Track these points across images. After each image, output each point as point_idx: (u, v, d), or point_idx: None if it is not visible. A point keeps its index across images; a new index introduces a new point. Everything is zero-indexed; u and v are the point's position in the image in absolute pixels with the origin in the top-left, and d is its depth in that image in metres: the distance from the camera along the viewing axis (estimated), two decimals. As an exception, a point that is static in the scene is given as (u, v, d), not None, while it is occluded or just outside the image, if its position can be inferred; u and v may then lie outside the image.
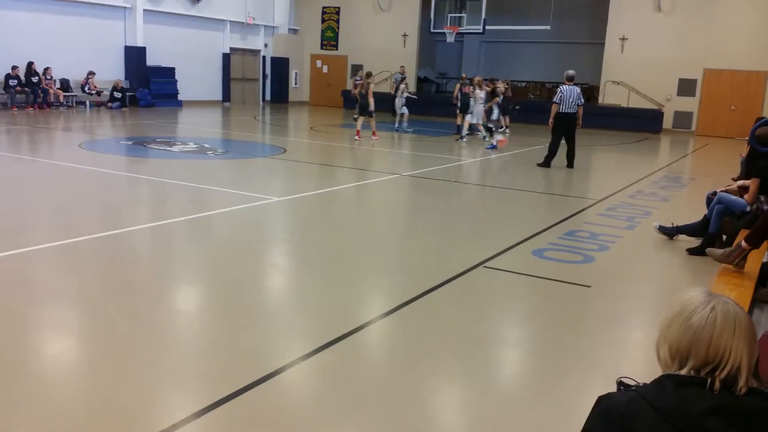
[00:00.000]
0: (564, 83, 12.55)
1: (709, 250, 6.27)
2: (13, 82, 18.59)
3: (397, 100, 19.02)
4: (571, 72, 12.75)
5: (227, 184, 9.55)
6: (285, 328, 4.43)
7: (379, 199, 9.33)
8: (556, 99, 12.38)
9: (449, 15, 25.67)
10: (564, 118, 12.32)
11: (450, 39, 25.76)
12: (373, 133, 15.72)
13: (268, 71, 28.41)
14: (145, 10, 22.23)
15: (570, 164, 12.53)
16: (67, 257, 5.71)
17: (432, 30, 25.94)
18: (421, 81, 28.73)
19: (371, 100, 15.61)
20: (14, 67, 18.51)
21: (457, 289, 5.27)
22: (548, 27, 24.63)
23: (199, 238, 6.71)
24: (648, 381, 1.73)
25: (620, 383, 1.72)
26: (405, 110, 18.74)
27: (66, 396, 3.37)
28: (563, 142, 12.56)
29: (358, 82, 17.55)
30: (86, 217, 7.34)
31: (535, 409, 3.46)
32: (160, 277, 5.41)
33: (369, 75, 16.26)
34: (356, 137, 15.45)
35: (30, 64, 18.94)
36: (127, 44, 22.13)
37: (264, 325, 4.41)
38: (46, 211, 7.45)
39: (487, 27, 25.01)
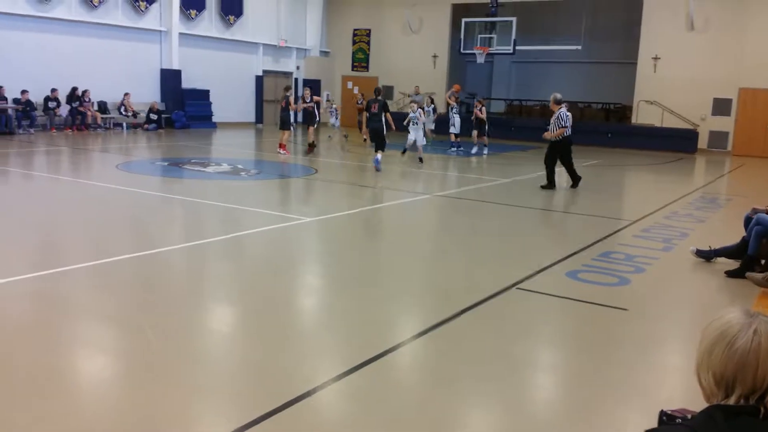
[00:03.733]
0: (559, 106, 12.30)
1: (749, 274, 6.14)
2: (52, 104, 19.09)
3: (411, 129, 16.17)
4: (559, 95, 12.62)
5: (260, 204, 9.64)
6: (317, 349, 4.43)
7: (411, 219, 9.32)
8: (566, 122, 12.06)
9: (479, 36, 25.74)
10: (567, 141, 12.26)
11: (480, 60, 25.81)
12: (281, 146, 15.99)
13: (300, 93, 28.72)
14: (180, 34, 22.73)
15: (577, 184, 12.46)
16: (104, 276, 5.80)
17: (462, 51, 26.02)
18: (447, 102, 28.77)
19: (291, 113, 16.47)
20: (53, 90, 19.03)
21: (489, 310, 5.22)
22: (579, 47, 24.54)
23: (233, 258, 6.76)
24: (688, 408, 1.69)
25: (663, 414, 1.67)
26: (419, 139, 15.98)
27: (100, 413, 3.40)
28: (557, 165, 12.44)
29: (308, 103, 17.14)
30: (123, 237, 7.46)
31: (572, 436, 3.39)
32: (195, 297, 5.46)
33: (287, 89, 16.78)
34: (280, 150, 15.91)
35: (74, 90, 19.47)
36: (163, 67, 22.61)
37: (296, 346, 4.41)
38: (84, 231, 7.59)
39: (517, 47, 25.01)
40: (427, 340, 4.54)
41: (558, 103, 12.28)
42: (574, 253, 7.10)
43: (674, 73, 22.77)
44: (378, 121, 13.56)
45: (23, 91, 18.34)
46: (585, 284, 5.99)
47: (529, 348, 4.59)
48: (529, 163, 17.04)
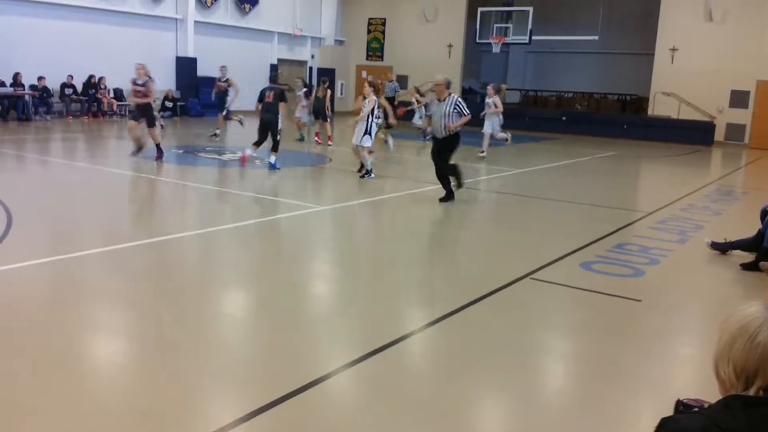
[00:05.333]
0: (449, 91, 9.22)
1: (763, 264, 6.10)
2: (68, 91, 19.22)
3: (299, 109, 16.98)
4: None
5: (273, 192, 9.67)
6: (330, 336, 4.46)
7: (424, 208, 9.32)
8: (467, 110, 9.12)
9: (495, 25, 25.60)
10: (458, 136, 9.31)
11: (496, 49, 25.67)
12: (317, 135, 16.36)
13: (314, 82, 28.71)
14: (196, 22, 22.77)
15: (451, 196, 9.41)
16: (119, 262, 5.85)
17: (477, 40, 25.89)
18: (465, 92, 28.66)
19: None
20: (70, 76, 19.15)
21: (502, 300, 5.22)
22: (596, 37, 24.34)
23: (246, 246, 6.80)
24: (702, 398, 1.69)
25: (679, 403, 1.67)
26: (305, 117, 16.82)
27: (113, 396, 3.44)
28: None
29: (221, 82, 16.10)
30: (138, 223, 7.52)
31: (582, 427, 3.40)
32: (208, 283, 5.50)
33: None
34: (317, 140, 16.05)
35: (90, 77, 19.59)
36: (179, 55, 22.66)
37: (309, 332, 4.44)
38: (98, 217, 7.66)
39: (533, 37, 24.85)
40: (440, 329, 4.56)
41: (449, 87, 9.27)
42: (589, 244, 7.07)
43: (692, 64, 22.54)
44: (272, 113, 11.61)
45: (40, 78, 18.46)
46: (599, 275, 5.97)
47: (543, 338, 4.60)
48: (543, 154, 16.98)
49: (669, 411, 1.66)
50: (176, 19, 22.53)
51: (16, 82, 18.16)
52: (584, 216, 9.13)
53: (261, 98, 11.88)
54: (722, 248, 6.89)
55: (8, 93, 17.91)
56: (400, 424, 3.27)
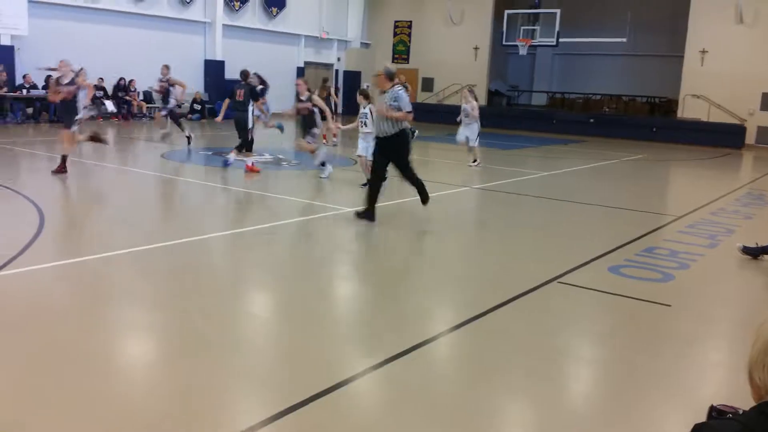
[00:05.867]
0: (392, 83, 8.00)
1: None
2: (99, 93, 19.53)
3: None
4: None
5: (300, 194, 9.74)
6: (356, 338, 4.48)
7: (450, 211, 9.31)
8: (409, 107, 7.79)
9: (522, 27, 25.51)
10: (406, 135, 7.99)
11: (523, 51, 25.59)
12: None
13: (340, 84, 28.85)
14: (224, 25, 23.02)
15: (426, 198, 8.22)
16: (148, 262, 5.94)
17: (504, 43, 25.80)
18: (492, 94, 28.58)
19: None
20: (100, 79, 19.46)
21: (530, 303, 5.20)
22: (624, 39, 24.11)
23: (273, 247, 6.86)
24: (733, 405, 1.67)
25: (713, 409, 1.66)
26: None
27: (141, 394, 3.50)
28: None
29: (162, 82, 14.98)
30: (167, 223, 7.62)
31: None
32: (236, 284, 5.56)
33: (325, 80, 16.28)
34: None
35: (120, 80, 19.92)
36: (207, 58, 22.92)
37: (335, 334, 4.47)
38: (130, 218, 7.78)
39: (561, 39, 24.69)
40: (467, 332, 4.55)
41: (392, 78, 8.02)
42: (617, 248, 7.01)
43: (722, 66, 22.21)
44: (241, 111, 11.38)
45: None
46: (627, 279, 5.92)
47: (570, 342, 4.56)
48: (570, 157, 16.85)
49: (701, 417, 1.64)
50: (205, 22, 22.80)
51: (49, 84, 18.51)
52: (612, 219, 9.05)
53: (231, 95, 11.65)
54: (754, 253, 6.78)
55: (41, 95, 18.28)
56: (424, 428, 3.27)
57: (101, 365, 3.77)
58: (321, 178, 10.83)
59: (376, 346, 4.29)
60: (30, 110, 18.28)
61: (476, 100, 13.86)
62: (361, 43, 29.19)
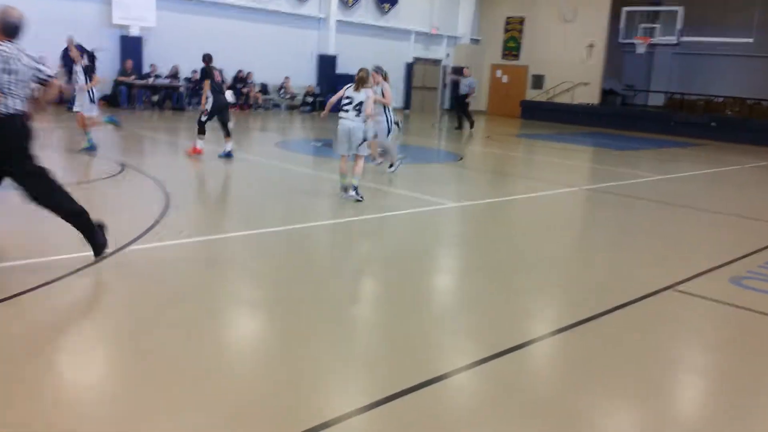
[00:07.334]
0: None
1: None
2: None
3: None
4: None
5: (405, 187, 9.82)
6: (457, 333, 4.46)
7: (556, 211, 9.11)
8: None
9: (640, 25, 24.53)
10: None
11: (641, 50, 24.60)
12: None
13: (447, 80, 28.79)
14: (337, 21, 23.52)
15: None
16: (260, 246, 6.19)
17: (621, 40, 24.91)
18: (606, 93, 27.64)
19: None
20: (220, 71, 20.40)
21: (642, 311, 5.01)
22: (751, 40, 22.66)
23: (376, 238, 6.97)
24: None
25: None
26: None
27: (249, 371, 3.65)
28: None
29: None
30: (277, 210, 7.89)
31: (732, 446, 3.21)
32: (341, 271, 5.70)
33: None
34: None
35: (238, 72, 20.84)
36: (320, 52, 23.50)
37: (436, 328, 4.48)
38: (244, 202, 8.12)
39: (682, 38, 23.55)
40: (575, 335, 4.45)
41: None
42: (739, 258, 6.62)
43: None
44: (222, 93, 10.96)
45: (194, 71, 19.78)
46: (751, 292, 5.58)
47: (684, 353, 4.37)
48: (688, 161, 16.06)
49: None
50: (319, 18, 23.38)
51: (173, 74, 19.62)
52: (733, 228, 8.55)
53: (209, 77, 10.82)
54: None
55: (165, 84, 19.40)
56: (526, 426, 3.23)
57: (214, 341, 3.99)
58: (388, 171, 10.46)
59: (477, 342, 4.27)
60: (155, 98, 19.40)
61: (387, 80, 10.52)
62: (471, 39, 28.97)
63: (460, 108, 19.75)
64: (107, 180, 8.69)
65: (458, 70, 19.80)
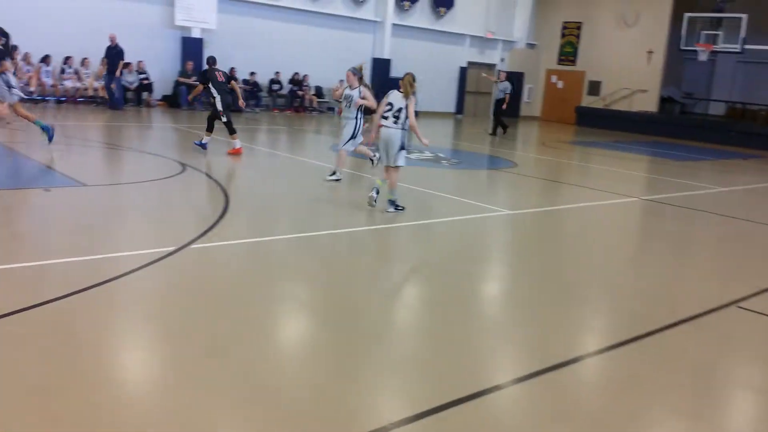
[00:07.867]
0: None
1: None
2: (276, 87, 20.82)
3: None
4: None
5: (459, 193, 9.81)
6: (503, 346, 4.41)
7: (613, 221, 8.97)
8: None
9: (702, 32, 23.94)
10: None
11: (703, 57, 24.01)
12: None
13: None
14: (393, 24, 23.62)
15: None
16: (307, 248, 6.29)
17: (682, 47, 24.34)
18: (664, 101, 27.03)
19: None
20: (277, 73, 20.76)
21: (703, 326, 4.91)
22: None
23: (428, 243, 6.99)
24: None
25: None
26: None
27: (295, 373, 3.70)
28: None
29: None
30: (325, 213, 7.99)
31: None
32: (387, 276, 5.75)
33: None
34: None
35: (294, 75, 21.17)
36: (375, 56, 23.64)
37: (482, 339, 4.43)
38: (298, 205, 8.25)
39: (746, 46, 22.87)
40: (634, 348, 4.38)
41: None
42: (805, 276, 6.42)
43: None
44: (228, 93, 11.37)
45: (251, 73, 20.20)
46: (818, 311, 5.41)
47: (748, 373, 4.26)
48: (751, 173, 15.59)
49: None
50: (375, 21, 23.53)
51: (231, 76, 20.03)
52: (799, 244, 8.28)
53: (210, 78, 11.20)
54: None
55: (224, 86, 19.81)
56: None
57: (263, 340, 4.10)
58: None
59: (525, 356, 4.21)
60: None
61: (362, 82, 10.09)
62: (527, 43, 28.72)
63: (496, 113, 19.70)
64: (169, 180, 8.95)
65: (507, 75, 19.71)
